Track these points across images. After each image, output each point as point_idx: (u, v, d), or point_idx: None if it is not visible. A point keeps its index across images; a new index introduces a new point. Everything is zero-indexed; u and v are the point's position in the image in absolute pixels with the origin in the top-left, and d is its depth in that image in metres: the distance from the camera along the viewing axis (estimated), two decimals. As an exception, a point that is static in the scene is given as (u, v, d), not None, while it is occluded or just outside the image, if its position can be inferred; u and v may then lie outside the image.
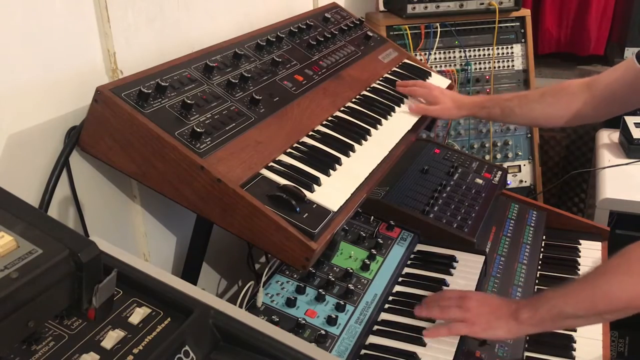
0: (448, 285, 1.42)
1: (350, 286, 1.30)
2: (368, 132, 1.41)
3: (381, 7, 2.44)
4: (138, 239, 1.36)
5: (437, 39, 2.33)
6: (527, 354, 1.40)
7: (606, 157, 2.22)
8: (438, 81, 1.89)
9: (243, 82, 1.30)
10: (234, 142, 1.15)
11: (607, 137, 2.39)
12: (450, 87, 1.92)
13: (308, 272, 1.31)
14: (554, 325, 1.22)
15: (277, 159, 1.20)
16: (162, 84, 1.13)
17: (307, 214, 1.07)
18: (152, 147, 1.06)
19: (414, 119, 1.60)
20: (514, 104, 1.60)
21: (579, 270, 1.68)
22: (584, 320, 1.27)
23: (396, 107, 1.60)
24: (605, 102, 1.50)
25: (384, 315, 1.33)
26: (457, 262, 1.51)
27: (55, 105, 1.11)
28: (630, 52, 2.64)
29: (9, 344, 0.61)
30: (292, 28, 1.61)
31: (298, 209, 1.06)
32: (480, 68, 2.43)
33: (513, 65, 2.46)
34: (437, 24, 2.33)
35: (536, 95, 1.60)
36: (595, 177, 2.18)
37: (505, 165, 2.43)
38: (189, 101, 1.14)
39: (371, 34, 1.90)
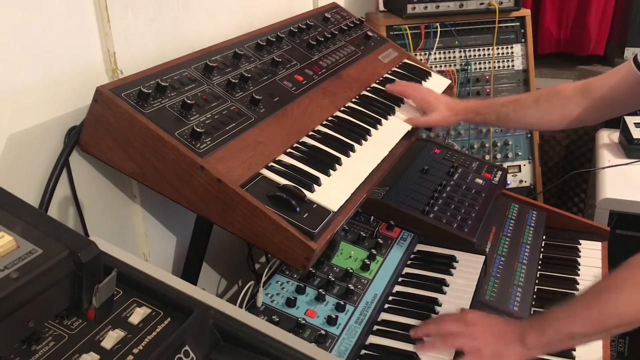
0: (448, 285, 1.42)
1: (350, 286, 1.30)
2: (368, 132, 1.41)
3: (381, 7, 2.44)
4: (138, 239, 1.36)
5: (437, 39, 2.33)
6: (527, 354, 1.40)
7: (606, 157, 2.22)
8: (438, 81, 1.89)
9: (243, 82, 1.30)
10: (234, 142, 1.15)
11: (607, 137, 2.39)
12: (450, 88, 1.92)
13: (308, 272, 1.31)
14: (562, 345, 1.21)
15: (277, 159, 1.20)
16: (162, 84, 1.13)
17: (307, 214, 1.07)
18: (152, 147, 1.06)
19: (414, 119, 1.60)
20: (509, 109, 1.59)
21: (579, 270, 1.68)
22: (593, 338, 1.23)
23: (396, 107, 1.59)
24: (602, 107, 1.49)
25: (384, 315, 1.33)
26: (457, 262, 1.51)
27: (55, 105, 1.11)
28: (630, 52, 2.64)
29: (9, 344, 0.62)
30: (292, 28, 1.61)
31: (298, 209, 1.06)
32: (480, 68, 2.43)
33: (513, 65, 2.46)
34: (437, 24, 2.33)
35: (531, 101, 1.58)
36: (595, 177, 2.18)
37: (505, 165, 2.43)
38: (189, 101, 1.14)
39: (371, 34, 1.90)
